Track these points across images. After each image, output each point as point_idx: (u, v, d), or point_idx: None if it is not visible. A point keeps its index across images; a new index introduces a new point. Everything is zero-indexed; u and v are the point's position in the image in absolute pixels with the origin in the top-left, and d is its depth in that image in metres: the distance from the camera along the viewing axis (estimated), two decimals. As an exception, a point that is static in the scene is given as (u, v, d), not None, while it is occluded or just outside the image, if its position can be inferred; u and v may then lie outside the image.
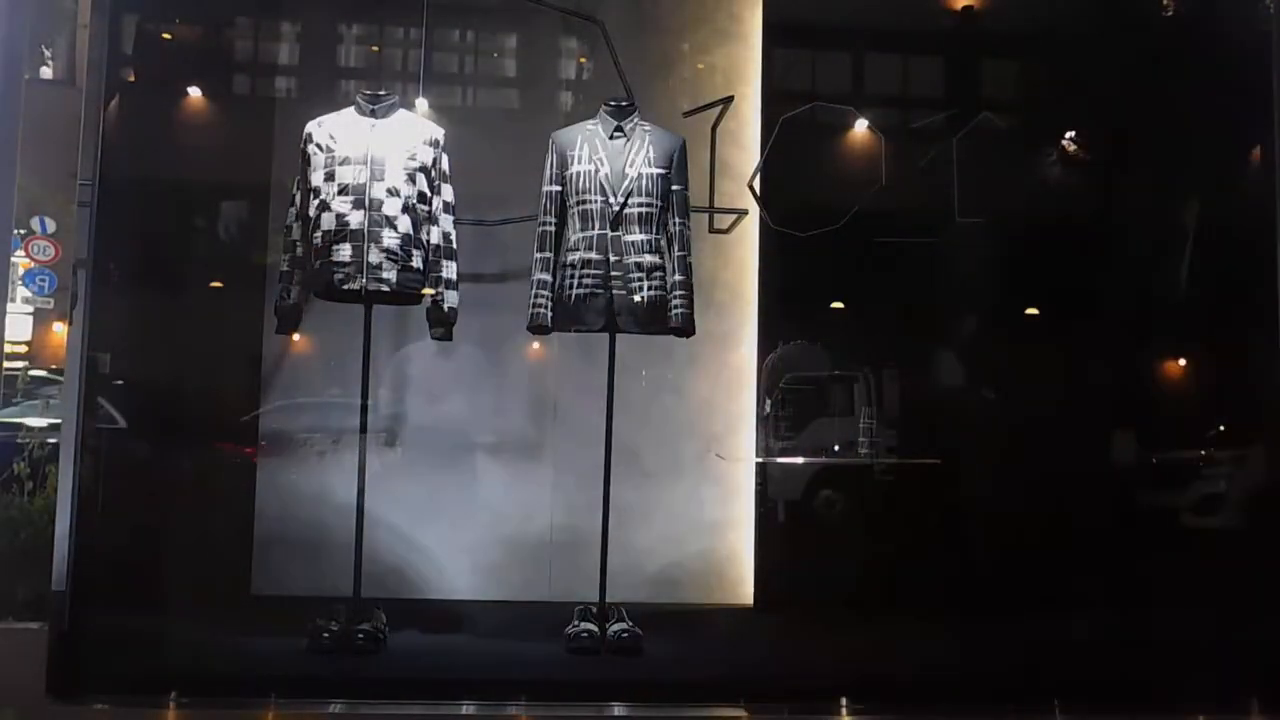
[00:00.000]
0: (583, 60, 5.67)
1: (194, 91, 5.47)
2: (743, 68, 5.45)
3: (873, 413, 5.39)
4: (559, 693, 3.82)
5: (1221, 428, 5.67)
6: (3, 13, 3.87)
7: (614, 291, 4.24)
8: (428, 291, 4.31)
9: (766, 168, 4.99)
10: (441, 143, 4.32)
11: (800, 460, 5.51)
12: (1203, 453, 5.67)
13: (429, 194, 4.28)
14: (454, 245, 4.35)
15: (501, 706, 3.71)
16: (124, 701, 3.70)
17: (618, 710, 3.75)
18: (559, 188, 4.34)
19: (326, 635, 4.03)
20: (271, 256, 4.87)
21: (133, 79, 5.20)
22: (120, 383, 4.72)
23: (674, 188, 4.34)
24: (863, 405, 5.49)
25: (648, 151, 4.31)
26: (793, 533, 5.47)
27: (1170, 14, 5.30)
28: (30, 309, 5.37)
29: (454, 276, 4.34)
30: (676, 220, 4.34)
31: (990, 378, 5.63)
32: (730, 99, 4.97)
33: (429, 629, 4.50)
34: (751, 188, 4.99)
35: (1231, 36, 4.73)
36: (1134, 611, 4.82)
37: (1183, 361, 5.82)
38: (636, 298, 4.24)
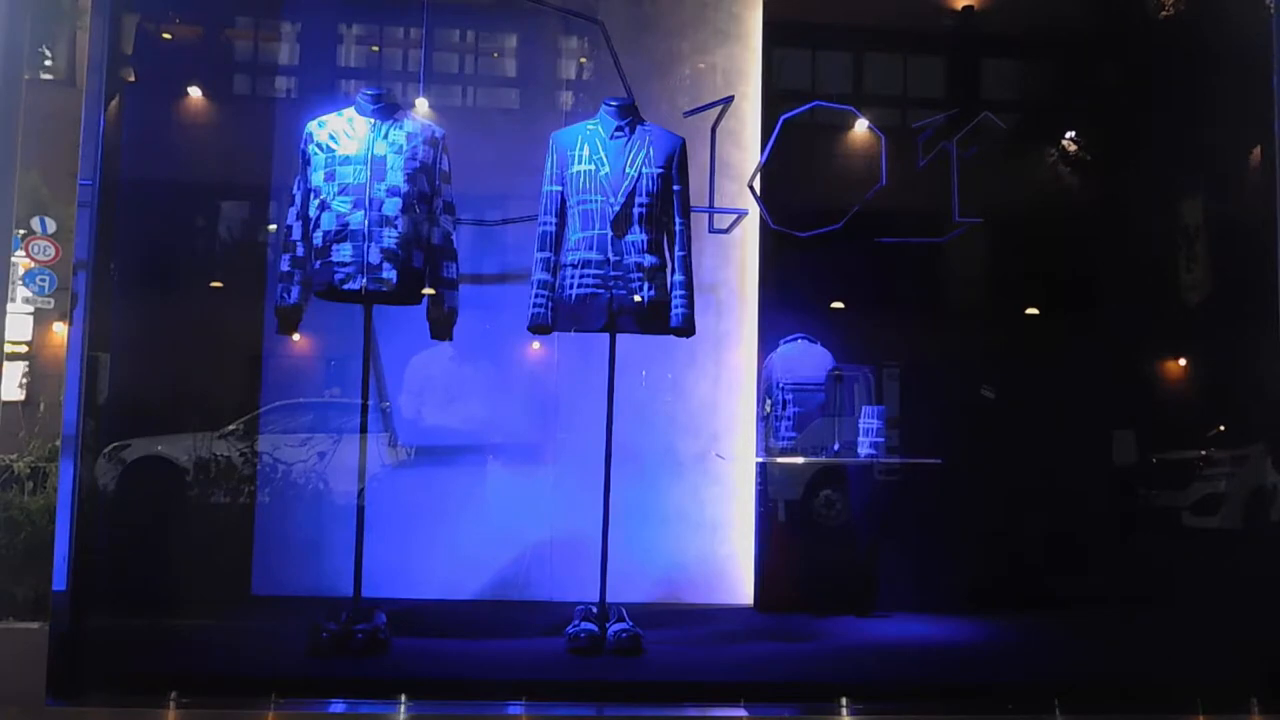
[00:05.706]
0: (583, 60, 5.66)
1: (194, 91, 5.47)
2: (743, 68, 5.45)
3: (873, 412, 5.39)
4: (559, 693, 3.82)
5: (1222, 428, 5.67)
6: (3, 13, 3.86)
7: (614, 291, 4.24)
8: (428, 291, 4.30)
9: (766, 168, 4.99)
10: (442, 143, 4.32)
11: (800, 460, 5.51)
12: (1203, 453, 5.67)
13: (429, 194, 4.28)
14: (454, 245, 4.35)
15: (501, 706, 3.71)
16: (124, 701, 3.70)
17: (618, 710, 3.75)
18: (559, 188, 4.34)
19: (326, 635, 4.04)
20: (271, 256, 4.87)
21: (133, 79, 5.19)
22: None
23: (674, 187, 4.34)
24: (863, 405, 5.49)
25: (648, 151, 4.31)
26: (793, 533, 5.46)
27: (1170, 14, 5.31)
28: (30, 309, 5.36)
29: (454, 276, 4.34)
30: (677, 220, 4.34)
31: (990, 377, 5.63)
32: (730, 99, 4.97)
33: (429, 629, 4.50)
34: (751, 188, 4.99)
35: (1231, 37, 4.73)
36: (1134, 611, 4.83)
37: (1183, 361, 5.82)
38: (637, 298, 4.24)
